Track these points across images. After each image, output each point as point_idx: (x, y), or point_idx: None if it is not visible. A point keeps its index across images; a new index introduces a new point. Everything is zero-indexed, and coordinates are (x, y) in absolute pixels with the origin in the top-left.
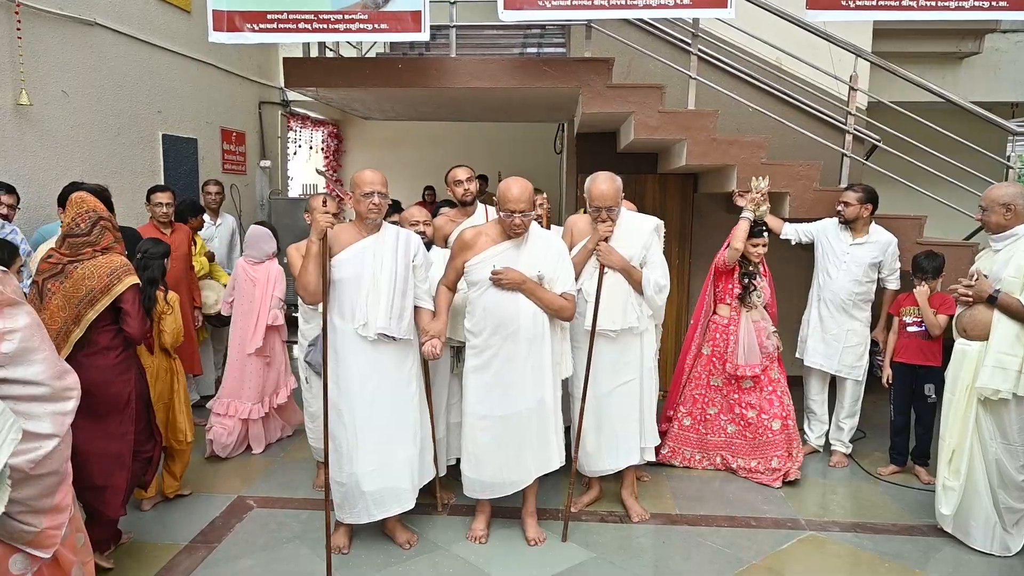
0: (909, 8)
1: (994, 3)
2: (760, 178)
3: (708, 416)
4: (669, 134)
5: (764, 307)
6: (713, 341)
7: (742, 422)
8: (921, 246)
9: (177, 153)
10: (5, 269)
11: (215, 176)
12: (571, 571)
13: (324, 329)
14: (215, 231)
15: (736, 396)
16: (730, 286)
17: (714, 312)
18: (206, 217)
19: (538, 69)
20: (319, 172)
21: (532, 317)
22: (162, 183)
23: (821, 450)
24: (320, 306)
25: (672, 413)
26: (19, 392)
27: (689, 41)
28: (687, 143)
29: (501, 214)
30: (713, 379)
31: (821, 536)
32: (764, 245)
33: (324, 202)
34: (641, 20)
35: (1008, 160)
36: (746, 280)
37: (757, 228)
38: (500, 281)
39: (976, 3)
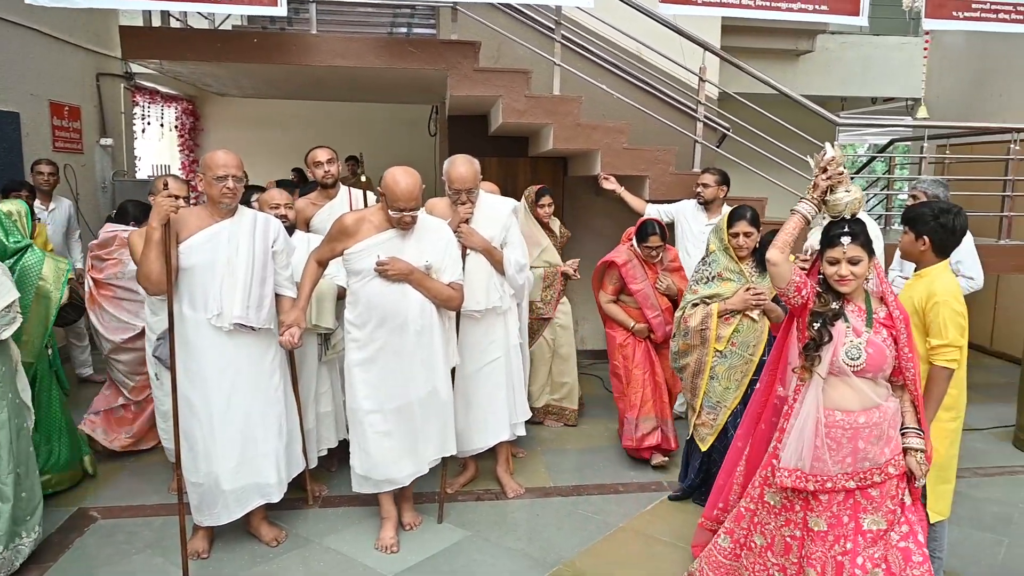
0: (748, 7)
1: (816, 6)
2: (831, 144)
3: (752, 545)
4: (536, 118)
5: (894, 381)
6: (771, 428)
7: None
8: (765, 226)
9: None
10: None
11: (45, 155)
12: (446, 551)
13: (170, 321)
14: (48, 216)
15: (797, 535)
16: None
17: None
18: (36, 202)
19: (404, 50)
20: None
21: (420, 308)
22: None
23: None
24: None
25: (717, 513)
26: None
27: (553, 28)
28: (553, 127)
29: (390, 212)
30: (768, 492)
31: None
32: (853, 263)
33: (166, 184)
34: (508, 5)
35: None
36: (816, 325)
37: (836, 231)
38: (386, 272)
39: (803, 5)
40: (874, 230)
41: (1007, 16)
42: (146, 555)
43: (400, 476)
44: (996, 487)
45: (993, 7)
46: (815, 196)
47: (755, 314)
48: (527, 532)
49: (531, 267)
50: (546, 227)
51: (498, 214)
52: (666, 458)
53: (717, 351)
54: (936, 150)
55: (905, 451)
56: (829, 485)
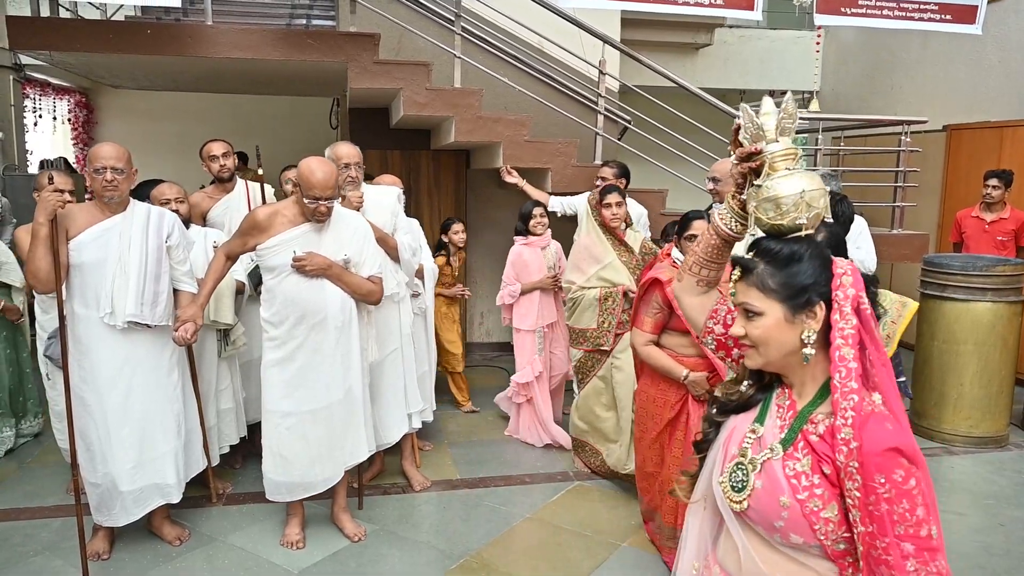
0: (645, 1)
1: (712, 1)
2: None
3: None
4: (437, 111)
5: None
6: None
7: None
8: (665, 217)
9: None
10: None
11: None
12: (353, 546)
13: (61, 319)
14: None
15: None
16: None
17: None
18: None
19: (302, 42)
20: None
21: (340, 304)
22: None
23: None
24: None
25: None
26: None
27: (453, 20)
28: (455, 120)
29: (305, 200)
30: None
31: (587, 485)
32: (748, 316)
33: (51, 178)
34: None
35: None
36: (713, 412)
37: (739, 261)
38: (304, 268)
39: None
40: (858, 236)
41: (891, 13)
42: (44, 557)
43: (316, 481)
44: None
45: (878, 4)
46: (733, 193)
47: None
48: (434, 525)
49: (583, 287)
50: (615, 236)
51: (384, 201)
52: None
53: None
54: (831, 142)
55: None
56: None
